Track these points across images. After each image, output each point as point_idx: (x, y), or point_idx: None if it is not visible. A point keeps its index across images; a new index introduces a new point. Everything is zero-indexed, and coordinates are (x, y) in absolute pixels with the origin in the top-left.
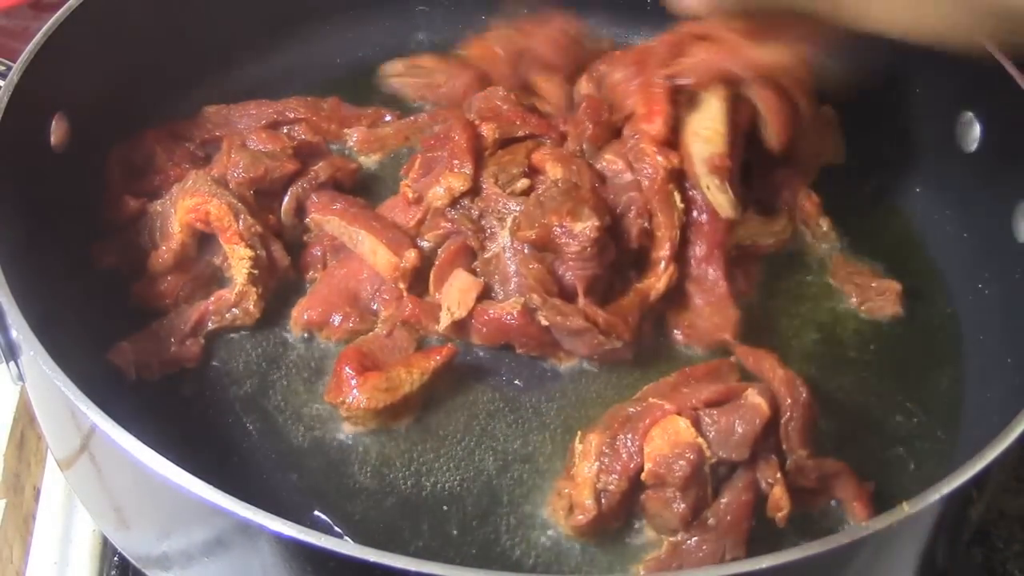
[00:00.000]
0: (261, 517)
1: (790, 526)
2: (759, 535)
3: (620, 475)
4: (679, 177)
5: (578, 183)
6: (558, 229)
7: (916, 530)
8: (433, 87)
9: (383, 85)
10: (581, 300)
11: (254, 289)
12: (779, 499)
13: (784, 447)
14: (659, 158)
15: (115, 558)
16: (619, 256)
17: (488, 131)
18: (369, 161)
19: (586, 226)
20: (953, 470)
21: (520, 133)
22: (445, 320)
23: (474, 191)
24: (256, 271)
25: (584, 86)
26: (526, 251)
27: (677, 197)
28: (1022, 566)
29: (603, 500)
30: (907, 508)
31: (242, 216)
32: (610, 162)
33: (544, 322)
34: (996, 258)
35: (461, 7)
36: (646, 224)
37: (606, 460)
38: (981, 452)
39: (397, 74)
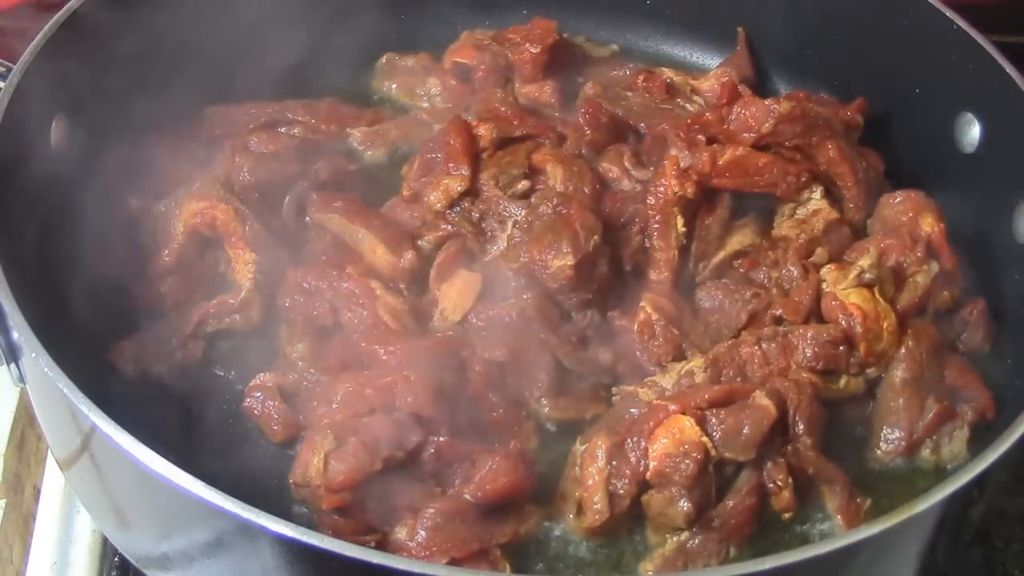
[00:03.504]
0: (263, 519)
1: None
2: (760, 534)
3: (630, 480)
4: (687, 204)
5: (575, 190)
6: (537, 264)
7: (917, 531)
8: (427, 91)
9: (379, 86)
10: (577, 317)
11: (259, 298)
12: (788, 501)
13: (789, 434)
14: (674, 182)
15: (115, 558)
16: (619, 263)
17: (486, 131)
18: (374, 156)
19: (560, 265)
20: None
21: (518, 133)
22: (437, 321)
23: (473, 192)
24: (260, 276)
25: (589, 88)
26: (521, 282)
27: (679, 220)
28: (1022, 566)
29: (614, 503)
30: (908, 509)
31: (248, 222)
32: (606, 170)
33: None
34: (996, 258)
35: (459, 10)
36: (646, 242)
37: (615, 464)
38: (982, 453)
39: (388, 75)
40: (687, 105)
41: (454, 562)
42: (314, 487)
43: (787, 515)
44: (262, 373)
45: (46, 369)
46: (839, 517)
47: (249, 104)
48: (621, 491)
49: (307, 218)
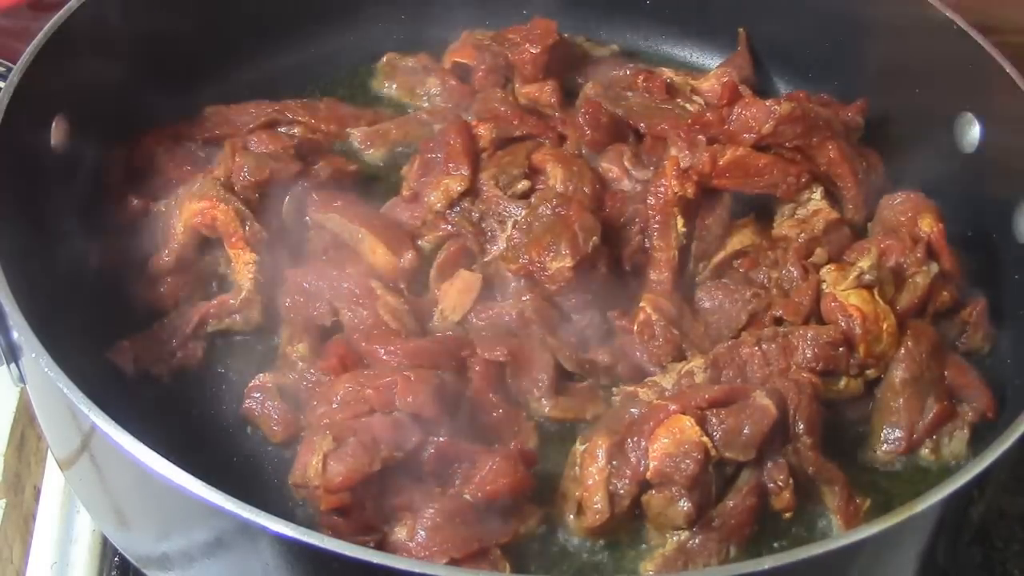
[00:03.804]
0: (263, 519)
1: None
2: (760, 534)
3: (630, 479)
4: (687, 204)
5: (575, 190)
6: (535, 266)
7: (917, 531)
8: (427, 91)
9: (379, 86)
10: (577, 318)
11: (259, 298)
12: (789, 500)
13: (789, 434)
14: (675, 182)
15: (115, 558)
16: (619, 264)
17: (485, 131)
18: (374, 156)
19: (559, 267)
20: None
21: (517, 133)
22: (437, 321)
23: (473, 192)
24: (261, 277)
25: (589, 88)
26: (521, 283)
27: (679, 221)
28: (1022, 566)
29: (615, 503)
30: (908, 509)
31: (248, 223)
32: (606, 170)
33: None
34: (996, 258)
35: (459, 10)
36: (646, 242)
37: (615, 464)
38: (982, 453)
39: (388, 75)
40: (687, 105)
41: (454, 562)
42: (313, 488)
43: (787, 515)
44: (262, 374)
45: (46, 369)
46: (838, 517)
47: (249, 104)
48: (621, 491)
49: (307, 218)
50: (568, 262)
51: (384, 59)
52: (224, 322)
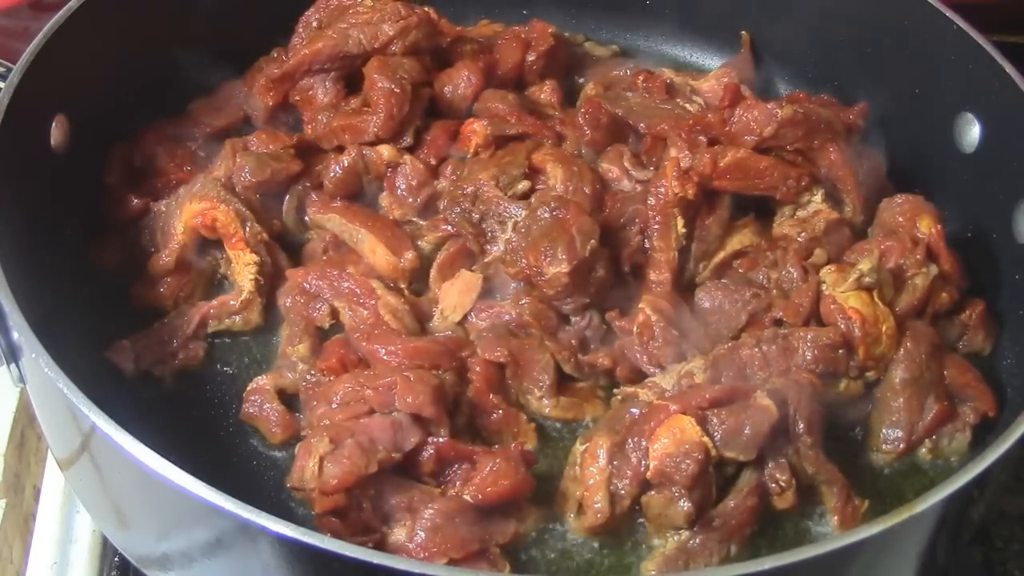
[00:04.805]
0: (263, 519)
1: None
2: (761, 534)
3: (631, 480)
4: (687, 205)
5: (575, 191)
6: (532, 270)
7: (917, 531)
8: None
9: None
10: (576, 320)
11: (259, 300)
12: (792, 501)
13: (790, 433)
14: (675, 183)
15: (115, 558)
16: (618, 265)
17: (480, 128)
18: None
19: (556, 271)
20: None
21: (514, 131)
22: (437, 321)
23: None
24: (261, 278)
25: (590, 88)
26: (520, 285)
27: (680, 221)
28: (1022, 565)
29: (615, 503)
30: (908, 509)
31: (249, 223)
32: (606, 170)
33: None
34: (996, 258)
35: (458, 10)
36: (646, 243)
37: (616, 464)
38: (982, 453)
39: None
40: (687, 105)
41: (453, 562)
42: (310, 490)
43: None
44: (260, 376)
45: (46, 369)
46: (835, 518)
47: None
48: (622, 491)
49: (307, 218)
50: (564, 267)
51: None
52: (224, 322)
